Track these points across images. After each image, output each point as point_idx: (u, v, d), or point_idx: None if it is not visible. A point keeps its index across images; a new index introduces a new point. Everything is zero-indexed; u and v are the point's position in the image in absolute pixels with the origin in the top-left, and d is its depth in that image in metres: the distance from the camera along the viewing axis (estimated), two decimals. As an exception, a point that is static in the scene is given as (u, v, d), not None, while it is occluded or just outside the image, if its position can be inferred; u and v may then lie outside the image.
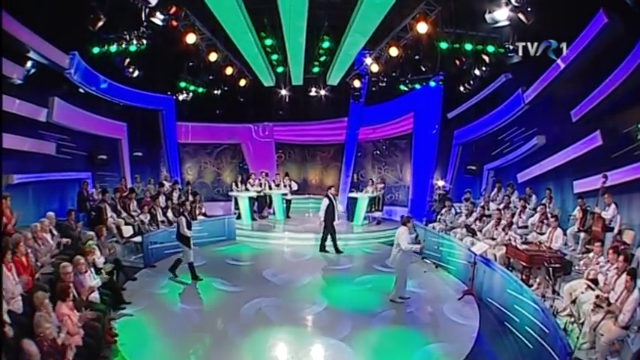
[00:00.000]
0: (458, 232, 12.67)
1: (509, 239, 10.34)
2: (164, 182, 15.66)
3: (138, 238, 12.44)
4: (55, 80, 12.04)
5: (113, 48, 12.00)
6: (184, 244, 10.84)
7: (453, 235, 12.63)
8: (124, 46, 12.04)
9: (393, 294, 9.81)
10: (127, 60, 13.21)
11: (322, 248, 13.76)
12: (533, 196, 12.94)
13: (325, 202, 13.56)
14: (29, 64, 10.89)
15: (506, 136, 14.68)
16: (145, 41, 12.11)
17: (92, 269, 8.19)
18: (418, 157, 17.18)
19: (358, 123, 18.52)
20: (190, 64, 15.30)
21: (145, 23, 11.17)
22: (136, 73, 13.76)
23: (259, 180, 17.49)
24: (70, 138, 13.39)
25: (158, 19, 10.37)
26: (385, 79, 16.33)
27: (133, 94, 15.72)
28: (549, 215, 10.79)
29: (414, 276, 11.13)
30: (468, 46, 12.29)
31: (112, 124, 15.63)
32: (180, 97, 16.98)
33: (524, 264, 9.36)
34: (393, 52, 12.76)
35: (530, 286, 9.03)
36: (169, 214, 14.28)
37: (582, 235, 10.48)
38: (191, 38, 11.84)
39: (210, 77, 15.97)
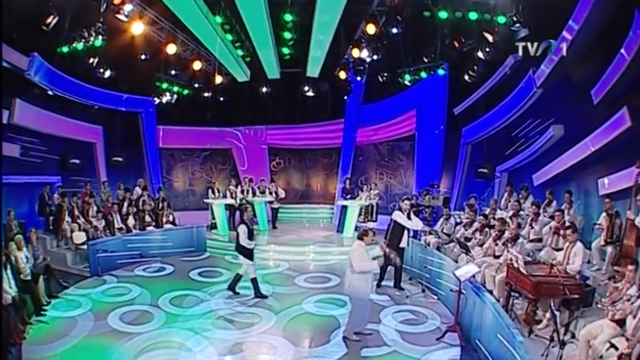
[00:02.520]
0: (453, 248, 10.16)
1: (511, 258, 7.72)
2: (129, 188, 13.92)
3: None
4: (17, 82, 11.07)
5: (79, 46, 11.26)
6: (245, 257, 9.22)
7: (450, 251, 10.15)
8: (83, 43, 11.17)
9: (347, 329, 7.38)
10: (95, 60, 12.12)
11: None
12: (554, 202, 10.32)
13: None
14: None
15: (520, 130, 12.15)
16: (101, 37, 11.11)
17: (8, 274, 7.58)
18: (422, 161, 14.86)
19: (356, 123, 16.34)
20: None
21: (101, 19, 10.71)
22: (107, 74, 12.77)
23: (241, 187, 15.40)
24: (39, 141, 12.59)
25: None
26: (385, 74, 14.26)
27: (107, 96, 14.45)
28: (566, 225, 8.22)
29: (395, 303, 8.95)
30: (473, 15, 10.33)
31: (86, 127, 14.47)
32: (164, 99, 15.52)
33: (528, 295, 6.98)
34: (371, 29, 10.79)
35: (539, 322, 7.06)
36: (130, 221, 12.62)
37: (609, 249, 8.02)
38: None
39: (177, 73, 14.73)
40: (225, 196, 14.95)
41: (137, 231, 12.55)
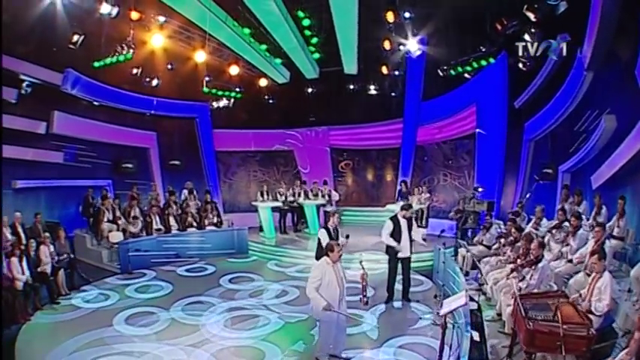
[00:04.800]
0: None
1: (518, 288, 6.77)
2: (174, 191, 14.98)
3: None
4: (54, 96, 12.80)
5: (120, 58, 12.55)
6: None
7: (483, 266, 9.33)
8: (116, 58, 12.50)
9: (317, 349, 6.85)
10: (139, 70, 13.67)
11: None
12: (604, 209, 9.03)
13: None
14: (24, 85, 11.92)
15: (581, 123, 10.69)
16: (132, 50, 12.40)
17: (23, 265, 9.00)
18: (482, 161, 13.90)
19: (416, 122, 15.70)
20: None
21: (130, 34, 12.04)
22: (155, 82, 14.27)
23: (293, 189, 15.72)
24: (87, 148, 14.29)
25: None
26: (445, 67, 13.69)
27: (159, 104, 15.69)
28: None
29: (397, 327, 8.17)
30: None
31: (139, 133, 16.01)
32: (220, 104, 16.86)
33: (522, 345, 5.79)
34: (390, 17, 10.27)
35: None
36: (172, 222, 13.64)
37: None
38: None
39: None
40: (276, 199, 15.38)
41: (176, 232, 13.41)
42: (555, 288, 7.37)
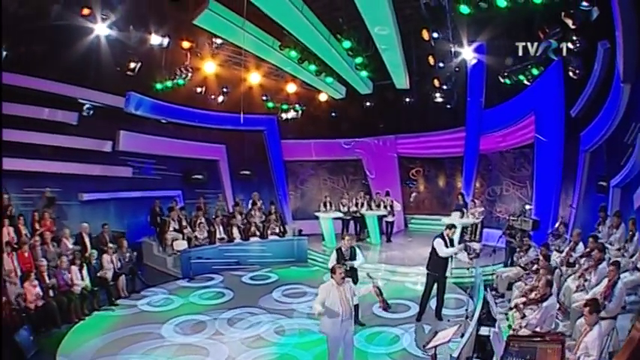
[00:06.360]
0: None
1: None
2: (238, 202, 16.53)
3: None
4: (119, 117, 14.84)
5: (169, 83, 14.52)
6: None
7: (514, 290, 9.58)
8: (175, 81, 14.30)
9: None
10: (203, 88, 15.36)
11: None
12: (636, 237, 8.71)
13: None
14: (85, 108, 13.83)
15: (630, 133, 10.22)
16: (189, 74, 14.00)
17: (84, 272, 10.76)
18: (541, 172, 13.67)
19: (478, 130, 15.69)
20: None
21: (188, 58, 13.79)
22: (221, 99, 15.90)
23: (356, 199, 16.62)
24: (155, 162, 16.34)
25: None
26: (505, 74, 13.75)
27: (226, 119, 17.15)
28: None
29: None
30: None
31: (208, 147, 17.81)
32: (289, 115, 18.08)
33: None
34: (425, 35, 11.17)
35: None
36: (235, 231, 15.03)
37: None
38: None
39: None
40: (339, 209, 16.39)
41: (239, 241, 14.83)
42: (561, 327, 7.48)
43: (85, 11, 10.15)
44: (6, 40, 10.56)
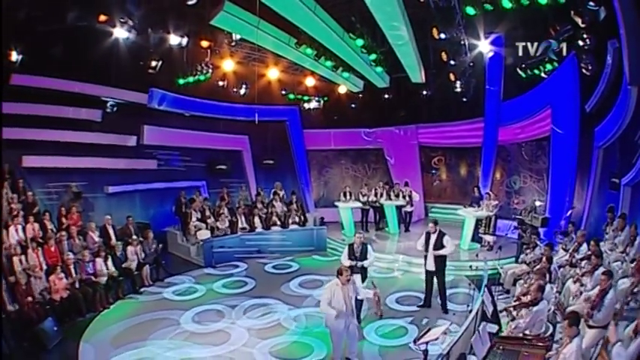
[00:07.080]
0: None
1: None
2: (260, 192, 17.16)
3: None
4: (143, 113, 15.56)
5: (191, 79, 15.02)
6: None
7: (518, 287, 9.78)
8: (197, 77, 14.89)
9: (332, 355, 8.20)
10: (225, 82, 15.92)
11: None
12: (637, 241, 8.90)
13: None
14: (108, 105, 14.69)
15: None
16: (210, 70, 14.65)
17: (108, 263, 11.49)
18: (556, 167, 13.77)
19: (496, 121, 15.80)
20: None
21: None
22: (243, 91, 16.44)
23: (375, 190, 17.07)
24: (180, 153, 17.16)
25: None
26: (524, 66, 13.86)
27: (249, 110, 17.37)
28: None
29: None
30: None
31: (232, 138, 18.51)
32: (311, 106, 18.50)
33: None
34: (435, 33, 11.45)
35: None
36: (256, 221, 15.67)
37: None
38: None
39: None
40: (358, 199, 16.91)
41: (260, 230, 15.49)
42: (558, 328, 7.41)
43: (103, 17, 10.74)
44: (27, 44, 11.39)
